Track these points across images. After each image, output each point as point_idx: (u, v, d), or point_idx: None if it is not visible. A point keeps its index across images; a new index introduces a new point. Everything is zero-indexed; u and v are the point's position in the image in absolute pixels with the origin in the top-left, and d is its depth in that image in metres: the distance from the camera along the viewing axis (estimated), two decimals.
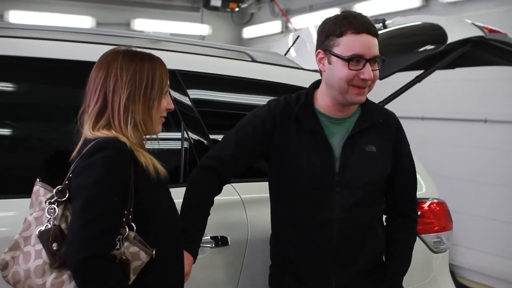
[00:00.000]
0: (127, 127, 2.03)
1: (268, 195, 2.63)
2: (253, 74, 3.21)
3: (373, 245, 2.51)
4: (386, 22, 4.08)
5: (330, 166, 2.42)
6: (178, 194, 2.32)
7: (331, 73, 2.38)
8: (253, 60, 3.47)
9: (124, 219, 1.95)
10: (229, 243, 2.70)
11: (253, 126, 2.52)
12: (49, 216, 1.94)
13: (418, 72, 3.72)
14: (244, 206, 2.82)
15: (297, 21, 10.10)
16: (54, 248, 1.89)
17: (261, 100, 3.40)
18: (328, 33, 2.36)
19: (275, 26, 11.04)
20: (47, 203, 1.96)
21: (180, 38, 3.58)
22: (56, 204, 1.96)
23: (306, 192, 2.46)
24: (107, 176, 1.92)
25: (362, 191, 2.44)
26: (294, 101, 2.52)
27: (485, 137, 6.55)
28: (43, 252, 1.91)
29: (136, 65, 2.07)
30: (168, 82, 2.17)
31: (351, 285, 2.49)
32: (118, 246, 1.92)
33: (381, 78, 3.51)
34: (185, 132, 2.82)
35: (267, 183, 2.60)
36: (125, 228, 1.95)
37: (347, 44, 2.31)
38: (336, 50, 2.33)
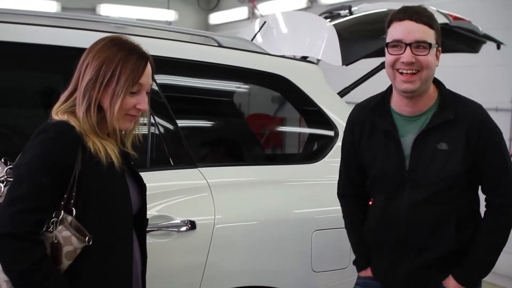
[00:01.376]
0: (81, 111, 2.03)
1: (235, 179, 2.66)
2: (220, 59, 3.20)
3: (446, 240, 2.48)
4: (353, 9, 4.11)
5: (400, 165, 2.48)
6: (145, 179, 2.30)
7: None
8: (220, 45, 3.46)
9: (62, 203, 1.94)
10: (196, 227, 2.71)
11: (346, 146, 2.71)
12: None
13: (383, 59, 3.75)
14: (211, 190, 2.83)
15: (263, 8, 10.11)
16: None
17: (228, 85, 3.42)
18: (387, 26, 2.47)
19: (241, 12, 11.05)
20: None
21: (146, 23, 3.55)
22: (4, 183, 1.97)
23: (380, 188, 2.57)
24: (39, 157, 1.92)
25: (433, 189, 2.44)
26: (368, 103, 2.64)
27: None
28: None
29: (107, 54, 2.05)
30: (147, 83, 2.11)
31: (417, 274, 2.52)
32: (51, 229, 1.92)
33: (346, 64, 3.54)
34: (151, 117, 2.82)
35: (234, 167, 2.60)
36: (61, 212, 1.94)
37: (390, 32, 2.42)
38: (386, 40, 2.44)
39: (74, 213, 1.96)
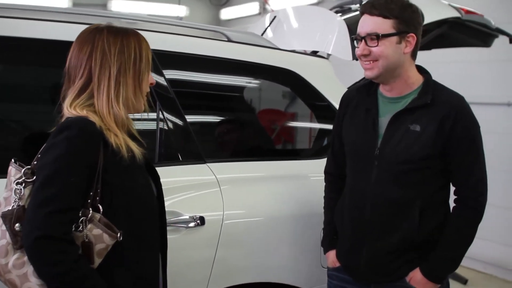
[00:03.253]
0: (118, 102, 2.02)
1: (244, 175, 2.71)
2: (229, 54, 3.19)
3: (409, 225, 2.50)
4: (364, 2, 4.07)
5: (372, 140, 2.56)
6: None
7: None
8: (229, 40, 3.45)
9: (89, 201, 1.92)
10: (205, 223, 2.69)
11: (335, 123, 2.85)
12: (15, 196, 1.93)
13: None
14: (219, 186, 2.82)
15: (274, 3, 10.08)
16: (17, 228, 1.88)
17: (237, 80, 3.41)
18: None
19: (253, 7, 11.01)
20: (15, 184, 1.95)
21: (156, 18, 3.54)
22: (23, 185, 1.95)
23: (352, 164, 2.68)
24: (66, 156, 1.89)
25: (400, 168, 2.49)
26: (359, 85, 2.78)
27: (508, 121, 6.38)
28: (7, 233, 1.89)
29: (122, 39, 2.05)
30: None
31: (380, 259, 2.56)
32: (80, 228, 1.90)
33: (357, 59, 3.52)
34: (160, 112, 2.81)
35: (243, 163, 2.59)
36: (89, 210, 1.92)
37: None
38: None
39: (101, 210, 1.94)
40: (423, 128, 2.47)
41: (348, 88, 2.90)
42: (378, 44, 2.45)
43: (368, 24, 2.48)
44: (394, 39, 2.46)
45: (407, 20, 2.47)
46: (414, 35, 2.49)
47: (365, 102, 2.65)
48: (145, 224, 2.10)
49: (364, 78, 3.61)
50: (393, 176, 2.51)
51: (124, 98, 2.04)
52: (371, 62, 2.49)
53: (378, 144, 2.54)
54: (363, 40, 2.49)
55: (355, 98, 2.72)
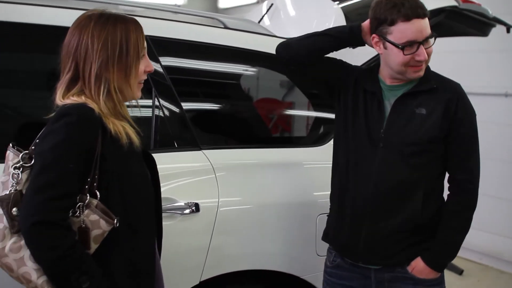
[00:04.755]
0: (99, 97, 2.00)
1: (239, 162, 2.71)
2: (226, 40, 3.18)
3: (412, 207, 2.53)
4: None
5: (378, 122, 2.57)
6: None
7: (387, 57, 2.54)
8: (226, 27, 3.44)
9: (86, 187, 1.93)
10: (200, 210, 2.70)
11: (343, 63, 2.81)
12: (13, 181, 1.93)
13: None
14: (215, 172, 2.82)
15: None
16: (14, 213, 1.89)
17: (234, 67, 3.40)
18: (380, 20, 2.49)
19: None
20: (13, 168, 1.95)
21: (153, 4, 3.53)
22: (21, 170, 1.95)
23: (354, 144, 2.63)
24: (65, 142, 1.89)
25: (405, 150, 2.52)
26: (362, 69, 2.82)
27: (506, 112, 6.36)
28: (4, 217, 1.90)
29: (107, 32, 2.02)
30: (145, 45, 2.13)
31: (380, 240, 2.58)
32: (78, 214, 1.91)
33: (353, 47, 3.51)
34: (156, 99, 2.80)
35: (238, 150, 2.59)
36: (87, 196, 1.92)
37: (400, 32, 2.44)
38: (390, 37, 2.47)
39: (98, 196, 1.95)
40: (429, 111, 2.51)
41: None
42: (433, 43, 2.48)
43: (423, 26, 2.44)
44: None
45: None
46: None
47: (368, 85, 2.65)
48: (141, 212, 2.10)
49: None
50: (398, 157, 2.52)
51: (110, 92, 2.03)
52: (423, 65, 2.50)
53: (383, 126, 2.55)
54: (421, 45, 2.44)
55: (358, 81, 2.70)
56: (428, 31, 2.45)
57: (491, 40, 4.70)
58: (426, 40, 2.45)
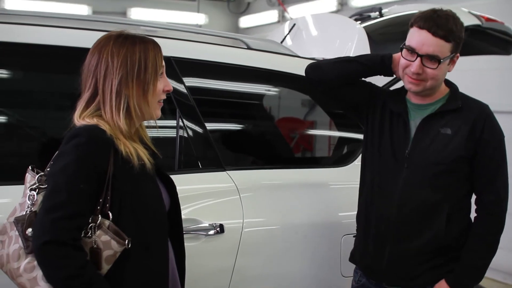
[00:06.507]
0: (119, 114, 2.02)
1: (263, 183, 2.72)
2: (249, 61, 3.19)
3: (435, 228, 2.50)
4: (383, 11, 4.07)
5: (404, 143, 2.57)
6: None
7: None
8: (249, 48, 3.45)
9: (98, 207, 1.94)
10: (225, 231, 2.69)
11: (372, 85, 2.83)
12: (28, 202, 1.96)
13: None
14: (239, 193, 2.81)
15: (293, 11, 10.08)
16: (28, 234, 1.91)
17: (257, 87, 3.41)
18: (411, 23, 2.53)
19: (271, 15, 11.02)
20: (29, 190, 1.98)
21: (175, 25, 3.55)
22: (37, 191, 1.97)
23: (380, 165, 2.63)
24: (75, 163, 1.91)
25: (428, 170, 2.50)
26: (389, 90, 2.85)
27: None
28: (20, 237, 1.92)
29: (127, 49, 2.05)
30: (164, 64, 2.15)
31: (403, 261, 2.55)
32: (89, 234, 1.92)
33: None
34: (180, 120, 2.81)
35: (262, 171, 2.59)
36: (98, 216, 1.93)
37: (410, 35, 2.51)
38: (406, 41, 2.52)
39: (110, 217, 1.96)
40: (454, 131, 2.49)
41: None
42: (437, 67, 2.44)
43: (430, 44, 2.42)
44: (448, 61, 2.48)
45: (460, 42, 2.49)
46: (459, 54, 2.51)
47: (394, 107, 2.64)
48: (153, 233, 2.10)
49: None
50: (423, 178, 2.51)
51: (129, 109, 2.05)
52: (419, 80, 2.48)
53: (408, 147, 2.54)
54: (419, 58, 2.44)
55: (385, 103, 2.69)
56: (431, 49, 2.42)
57: (506, 58, 4.68)
58: (427, 56, 2.42)
